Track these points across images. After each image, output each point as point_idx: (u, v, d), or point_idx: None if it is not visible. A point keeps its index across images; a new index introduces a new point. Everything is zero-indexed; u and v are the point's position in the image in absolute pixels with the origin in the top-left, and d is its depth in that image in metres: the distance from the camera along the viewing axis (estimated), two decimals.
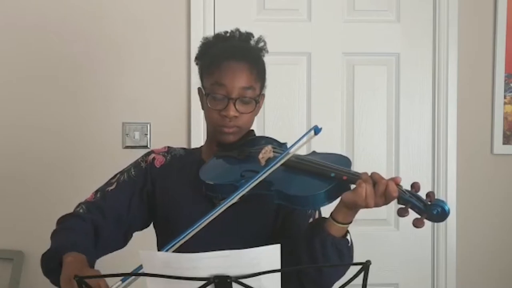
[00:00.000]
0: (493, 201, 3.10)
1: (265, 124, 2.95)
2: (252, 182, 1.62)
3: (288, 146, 1.77)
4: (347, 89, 3.05)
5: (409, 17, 3.05)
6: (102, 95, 2.94)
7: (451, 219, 3.04)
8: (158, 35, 2.95)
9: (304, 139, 1.72)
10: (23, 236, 2.92)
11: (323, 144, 2.91)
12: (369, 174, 1.56)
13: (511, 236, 3.10)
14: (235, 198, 1.60)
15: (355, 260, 1.39)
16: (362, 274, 1.35)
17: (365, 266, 1.34)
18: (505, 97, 3.06)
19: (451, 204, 3.04)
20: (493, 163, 3.09)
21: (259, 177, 1.62)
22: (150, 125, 2.96)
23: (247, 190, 1.61)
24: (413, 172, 3.03)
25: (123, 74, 2.95)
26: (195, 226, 1.56)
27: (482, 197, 3.09)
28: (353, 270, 1.36)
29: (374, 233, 3.04)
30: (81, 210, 1.82)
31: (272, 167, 1.65)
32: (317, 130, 1.72)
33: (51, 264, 1.68)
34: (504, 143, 3.07)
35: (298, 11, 3.03)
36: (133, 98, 2.95)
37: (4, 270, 2.88)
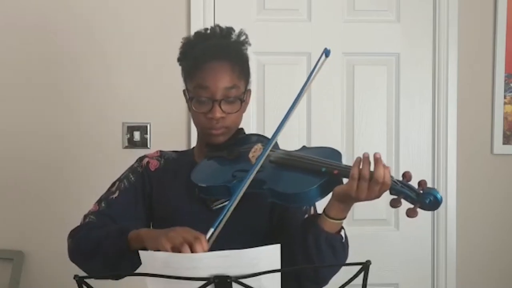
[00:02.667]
0: (493, 201, 3.10)
1: (265, 124, 2.94)
2: (251, 173, 1.60)
3: (279, 142, 1.77)
4: (347, 89, 3.04)
5: (409, 17, 3.05)
6: (102, 95, 2.94)
7: (451, 219, 3.04)
8: (158, 34, 2.95)
9: (319, 64, 1.70)
10: (23, 236, 2.92)
11: (323, 144, 2.93)
12: (368, 161, 1.52)
13: (511, 236, 3.10)
14: (236, 201, 1.58)
15: (355, 260, 1.39)
16: (362, 274, 1.35)
17: (365, 266, 1.34)
18: (505, 97, 3.06)
19: (451, 204, 3.04)
20: (493, 163, 3.09)
21: (255, 168, 1.61)
22: (150, 125, 2.96)
23: (249, 182, 1.59)
24: (413, 172, 2.96)
25: (123, 74, 2.95)
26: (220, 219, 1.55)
27: (482, 197, 3.09)
28: (353, 270, 1.36)
29: (374, 233, 3.03)
30: (90, 220, 1.80)
31: (266, 150, 1.64)
32: (327, 53, 1.70)
33: (120, 244, 1.61)
34: (504, 143, 3.07)
35: (298, 11, 3.03)
36: (133, 98, 2.95)
37: (4, 270, 2.88)
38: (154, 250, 1.49)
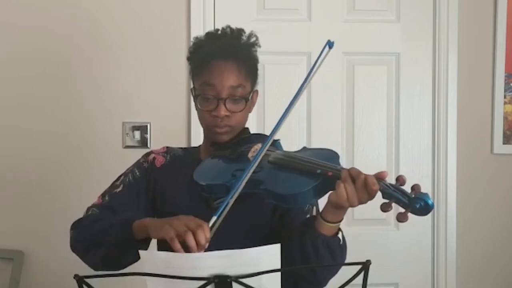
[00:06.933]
0: (493, 201, 3.10)
1: (265, 124, 2.94)
2: (247, 173, 1.61)
3: (281, 142, 1.79)
4: (347, 89, 3.04)
5: (409, 17, 3.05)
6: (102, 95, 2.94)
7: (451, 219, 3.04)
8: (158, 34, 2.95)
9: (322, 56, 1.73)
10: (23, 236, 2.92)
11: (323, 144, 2.93)
12: (348, 170, 1.53)
13: (511, 236, 3.10)
14: (236, 194, 1.60)
15: (355, 260, 1.39)
16: (362, 274, 1.35)
17: (365, 266, 1.34)
18: (505, 97, 3.06)
19: (451, 204, 3.04)
20: (493, 163, 3.09)
21: (252, 166, 1.62)
22: (150, 125, 2.96)
23: (244, 182, 1.61)
24: (413, 172, 3.03)
25: (123, 74, 2.95)
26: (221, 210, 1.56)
27: (482, 197, 3.09)
28: (353, 270, 1.36)
29: (374, 233, 3.04)
30: (93, 213, 1.82)
31: (263, 148, 1.65)
32: (330, 44, 1.73)
33: (124, 235, 1.64)
34: (504, 143, 3.07)
35: (298, 11, 3.03)
36: (133, 98, 2.95)
37: (4, 270, 2.88)
38: (159, 238, 1.53)
